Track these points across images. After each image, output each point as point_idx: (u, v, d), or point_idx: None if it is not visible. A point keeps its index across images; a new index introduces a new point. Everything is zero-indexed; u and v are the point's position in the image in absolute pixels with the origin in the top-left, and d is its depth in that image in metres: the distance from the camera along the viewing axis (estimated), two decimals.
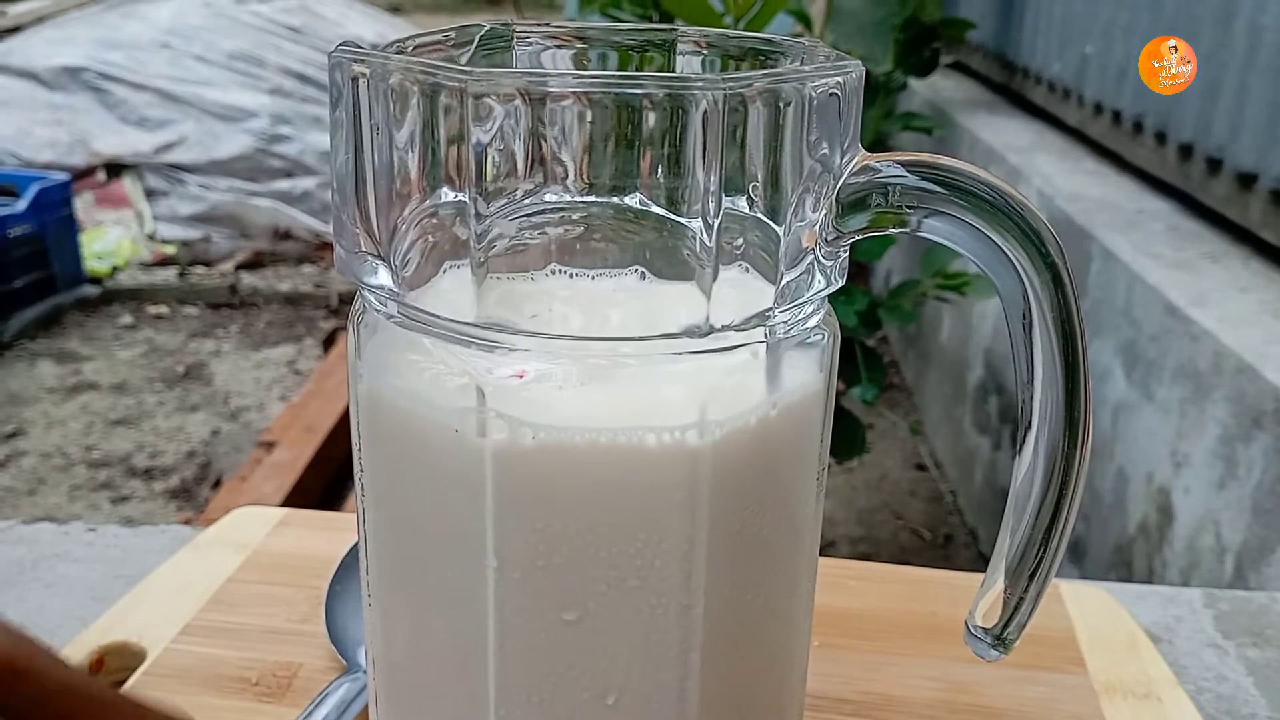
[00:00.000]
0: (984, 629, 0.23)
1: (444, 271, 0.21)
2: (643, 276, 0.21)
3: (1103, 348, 1.07)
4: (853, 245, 0.22)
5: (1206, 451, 0.85)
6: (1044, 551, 0.23)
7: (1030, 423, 0.22)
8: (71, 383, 1.95)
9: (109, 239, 2.45)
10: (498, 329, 0.20)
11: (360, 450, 0.23)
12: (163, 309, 2.30)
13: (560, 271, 0.21)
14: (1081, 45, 1.45)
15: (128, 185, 2.60)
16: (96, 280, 2.35)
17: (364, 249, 0.21)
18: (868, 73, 0.22)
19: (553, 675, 0.22)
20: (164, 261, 2.47)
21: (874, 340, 1.69)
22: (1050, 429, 0.22)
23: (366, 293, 0.22)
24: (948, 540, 1.52)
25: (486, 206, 0.19)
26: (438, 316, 0.20)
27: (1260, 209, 1.00)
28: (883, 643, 0.38)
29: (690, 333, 0.20)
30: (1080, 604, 0.41)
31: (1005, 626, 0.23)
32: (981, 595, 0.24)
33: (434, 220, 0.20)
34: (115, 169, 2.61)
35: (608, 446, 0.20)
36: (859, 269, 2.00)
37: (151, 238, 2.53)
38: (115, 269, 2.40)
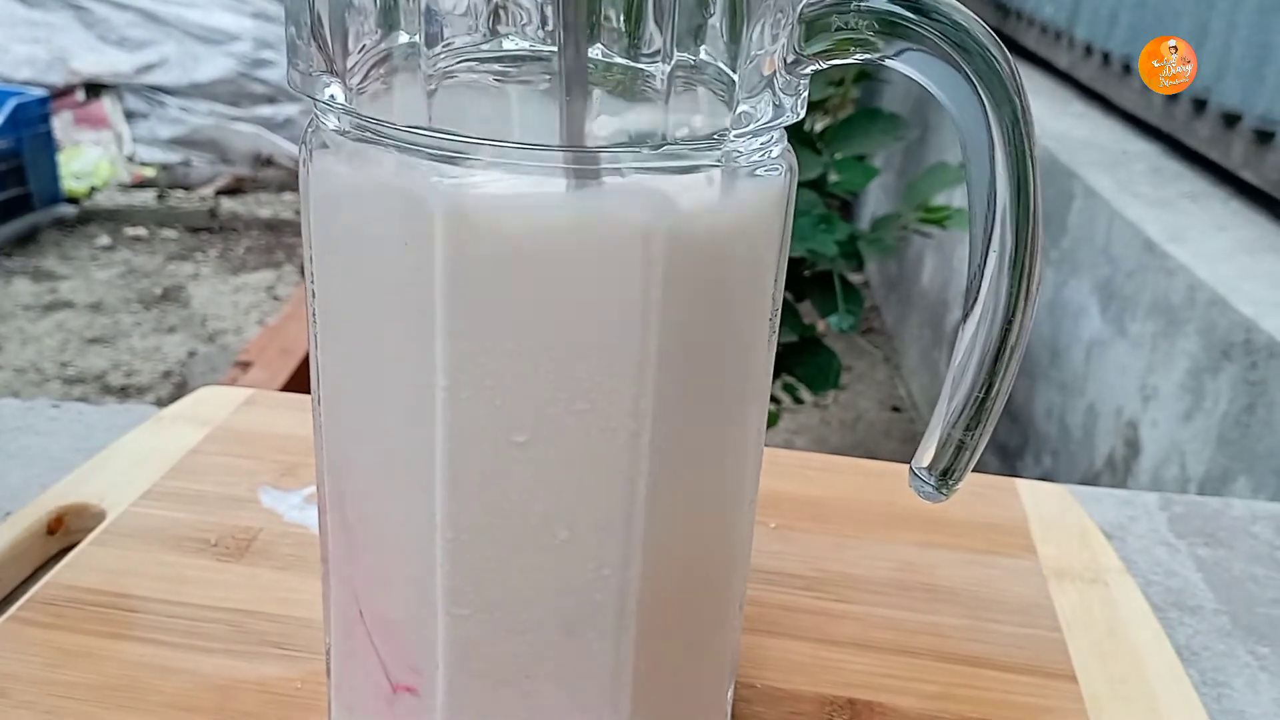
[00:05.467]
0: (927, 470, 0.24)
1: (396, 85, 0.20)
2: (601, 101, 0.20)
3: (1079, 286, 1.07)
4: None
5: (1175, 385, 0.86)
6: (987, 396, 0.23)
7: (982, 275, 0.22)
8: (47, 300, 1.93)
9: (87, 159, 2.41)
10: (449, 135, 0.20)
11: (313, 278, 0.23)
12: (140, 231, 2.28)
13: (517, 85, 0.20)
14: None
15: (107, 106, 2.56)
16: (74, 200, 2.32)
17: (318, 67, 0.21)
18: None
19: (503, 501, 0.22)
20: (142, 184, 2.44)
21: (856, 279, 1.69)
22: (1003, 277, 0.22)
23: (318, 111, 0.22)
24: None
25: (438, 4, 0.19)
26: (388, 124, 0.20)
27: (1242, 149, 1.00)
28: (840, 526, 0.39)
29: (644, 142, 0.20)
30: (1036, 500, 0.42)
31: (949, 469, 0.23)
32: (927, 442, 0.24)
33: (388, 46, 0.20)
34: (94, 89, 2.57)
35: (559, 260, 0.20)
36: (842, 205, 1.99)
37: (130, 159, 2.50)
38: (93, 189, 2.38)
